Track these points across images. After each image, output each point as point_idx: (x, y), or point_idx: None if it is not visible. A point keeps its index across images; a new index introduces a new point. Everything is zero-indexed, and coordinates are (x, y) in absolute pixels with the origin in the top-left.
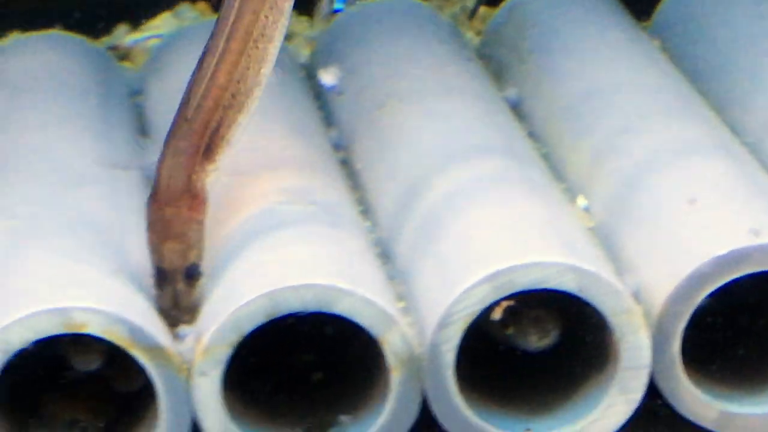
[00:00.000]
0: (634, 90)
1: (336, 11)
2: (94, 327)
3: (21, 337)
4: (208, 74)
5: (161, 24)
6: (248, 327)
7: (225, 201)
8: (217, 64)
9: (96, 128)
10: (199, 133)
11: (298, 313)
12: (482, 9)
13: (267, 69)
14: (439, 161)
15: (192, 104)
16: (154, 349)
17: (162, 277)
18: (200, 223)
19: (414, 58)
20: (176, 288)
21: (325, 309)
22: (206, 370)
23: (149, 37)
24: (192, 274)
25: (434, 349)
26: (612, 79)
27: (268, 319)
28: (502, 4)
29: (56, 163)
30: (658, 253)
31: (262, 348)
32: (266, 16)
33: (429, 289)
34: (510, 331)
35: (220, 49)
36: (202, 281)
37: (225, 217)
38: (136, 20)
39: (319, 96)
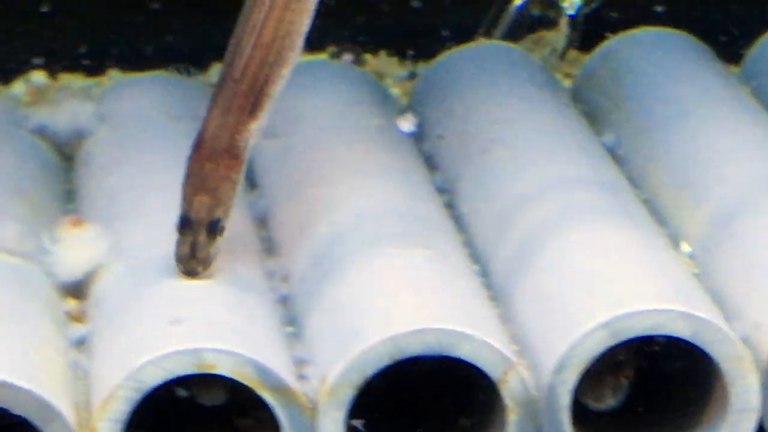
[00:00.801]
0: (732, 137)
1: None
2: (224, 368)
3: (154, 377)
4: (255, 32)
5: None
6: (372, 370)
7: (341, 249)
8: (264, 21)
9: None
10: (246, 94)
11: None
12: (570, 52)
13: (309, 19)
14: (548, 208)
15: (239, 64)
16: (281, 390)
17: (186, 225)
18: (234, 182)
19: (513, 103)
20: (197, 239)
21: (446, 353)
22: (330, 410)
23: None
24: (214, 229)
25: (551, 391)
26: (710, 127)
27: (391, 362)
28: (594, 49)
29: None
30: (764, 298)
31: (379, 388)
32: None
33: (544, 333)
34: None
35: (266, 5)
36: (220, 239)
37: (342, 263)
38: None
39: (420, 139)
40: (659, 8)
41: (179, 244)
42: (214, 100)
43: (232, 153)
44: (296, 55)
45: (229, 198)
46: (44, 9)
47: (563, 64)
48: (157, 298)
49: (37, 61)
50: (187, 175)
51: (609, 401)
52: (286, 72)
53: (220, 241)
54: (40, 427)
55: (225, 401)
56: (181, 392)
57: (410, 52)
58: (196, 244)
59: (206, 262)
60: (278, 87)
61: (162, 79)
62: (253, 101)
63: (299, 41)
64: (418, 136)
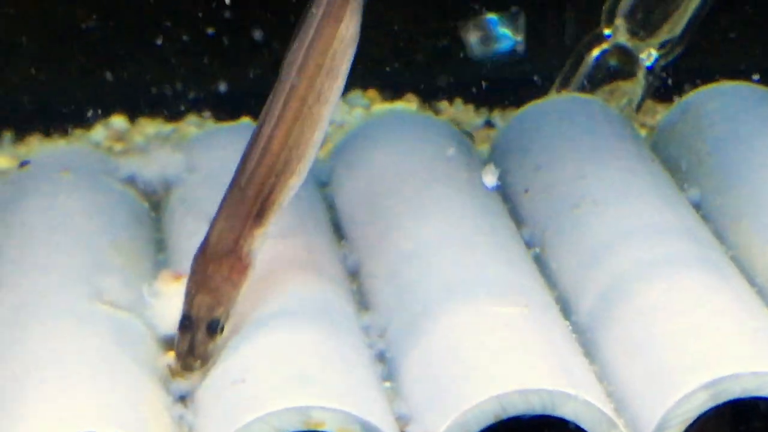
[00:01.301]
0: None
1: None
2: (331, 425)
3: None
4: (263, 142)
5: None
6: (476, 428)
7: (436, 304)
8: (272, 131)
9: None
10: (251, 201)
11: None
12: (647, 102)
13: (321, 131)
14: (641, 268)
15: (246, 171)
16: None
17: (186, 323)
18: (236, 284)
19: (599, 158)
20: (196, 336)
21: (549, 412)
22: None
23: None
24: (214, 328)
25: None
26: None
27: (495, 421)
28: (669, 99)
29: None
30: None
31: None
32: (322, 82)
33: (642, 392)
34: None
35: (275, 116)
36: (219, 338)
37: (439, 319)
38: None
39: (504, 192)
40: (739, 62)
41: (179, 340)
42: (222, 204)
43: (235, 256)
44: (305, 166)
45: (230, 299)
46: (121, 53)
47: (640, 114)
48: (261, 353)
49: (116, 106)
50: (190, 275)
51: None
52: (293, 182)
53: (219, 340)
54: None
55: None
56: None
57: (486, 100)
58: (194, 341)
59: (204, 358)
60: (285, 196)
61: (249, 128)
62: (258, 209)
63: (309, 152)
64: (502, 190)
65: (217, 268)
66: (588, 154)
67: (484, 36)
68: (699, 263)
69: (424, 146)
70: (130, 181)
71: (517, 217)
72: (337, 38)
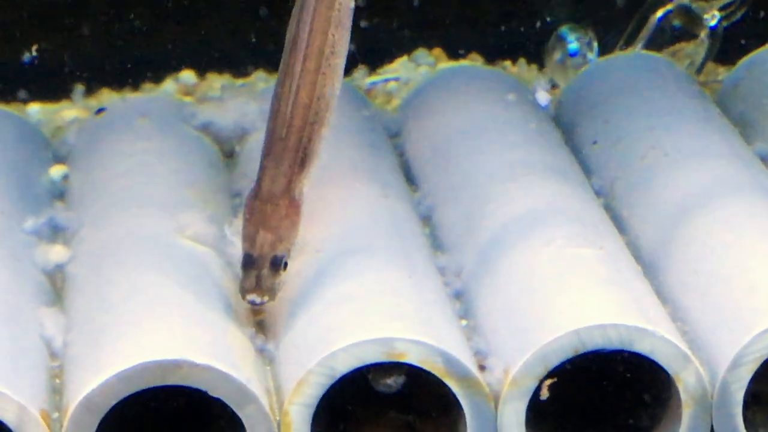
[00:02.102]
0: None
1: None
2: (413, 357)
3: (345, 364)
4: (292, 95)
5: (398, 68)
6: (555, 361)
7: (512, 246)
8: (299, 85)
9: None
10: (295, 149)
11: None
12: (708, 64)
13: (339, 83)
14: (709, 212)
15: (283, 123)
16: (467, 379)
17: (249, 262)
18: (293, 222)
19: (667, 111)
20: (261, 272)
21: (627, 348)
22: (513, 400)
23: (387, 80)
24: (278, 263)
25: (724, 388)
26: None
27: (574, 354)
28: (730, 61)
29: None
30: None
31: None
32: (333, 34)
33: (715, 331)
34: None
35: (298, 70)
36: (284, 274)
37: (515, 259)
38: (374, 63)
39: (571, 144)
40: None
41: (244, 278)
42: (267, 153)
43: (289, 196)
44: (333, 115)
45: (291, 236)
46: (189, 10)
47: (701, 76)
48: (342, 287)
49: (186, 61)
50: (247, 217)
51: None
52: (325, 131)
53: (284, 276)
54: (236, 410)
55: (399, 389)
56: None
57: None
58: (260, 277)
59: (272, 292)
60: (321, 144)
61: None
62: (301, 156)
63: (333, 102)
64: (571, 143)
65: (275, 208)
66: (656, 108)
67: (562, 54)
68: (766, 206)
69: (489, 97)
70: (206, 128)
71: (585, 168)
72: None
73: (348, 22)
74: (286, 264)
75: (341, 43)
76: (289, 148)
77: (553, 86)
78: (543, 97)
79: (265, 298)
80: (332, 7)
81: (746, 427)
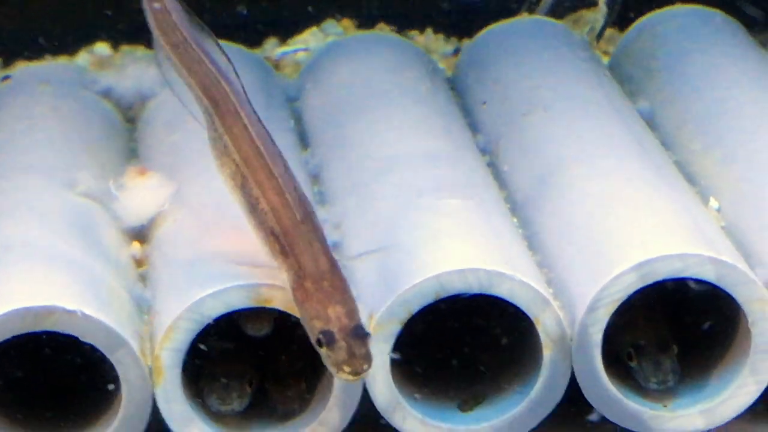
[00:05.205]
0: (761, 103)
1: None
2: (278, 302)
3: (213, 309)
4: (290, 182)
5: (308, 38)
6: (417, 306)
7: (386, 198)
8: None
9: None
10: (317, 228)
11: (460, 294)
12: (608, 31)
13: None
14: (583, 162)
15: (295, 212)
16: None
17: (330, 338)
18: (351, 293)
19: (554, 72)
20: (349, 342)
21: (486, 291)
22: (377, 343)
23: (297, 50)
24: (360, 332)
25: (583, 330)
26: (739, 94)
27: (435, 299)
28: (630, 26)
29: None
30: None
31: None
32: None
33: (576, 276)
34: (634, 364)
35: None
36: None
37: (388, 211)
38: (284, 35)
39: (464, 105)
40: None
41: (331, 356)
42: (292, 240)
43: (337, 269)
44: None
45: (357, 306)
46: None
47: (602, 43)
48: (215, 239)
49: (100, 33)
50: (305, 302)
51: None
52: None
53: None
54: (107, 355)
55: (269, 333)
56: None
57: (456, 30)
58: (350, 347)
59: (368, 359)
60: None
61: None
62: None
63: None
64: (464, 105)
65: (331, 282)
66: (544, 69)
67: None
68: (639, 161)
69: (384, 62)
70: (107, 93)
71: (474, 128)
72: None
73: None
74: (368, 333)
75: None
76: (314, 226)
77: (456, 53)
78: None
79: (365, 366)
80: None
81: (636, 378)
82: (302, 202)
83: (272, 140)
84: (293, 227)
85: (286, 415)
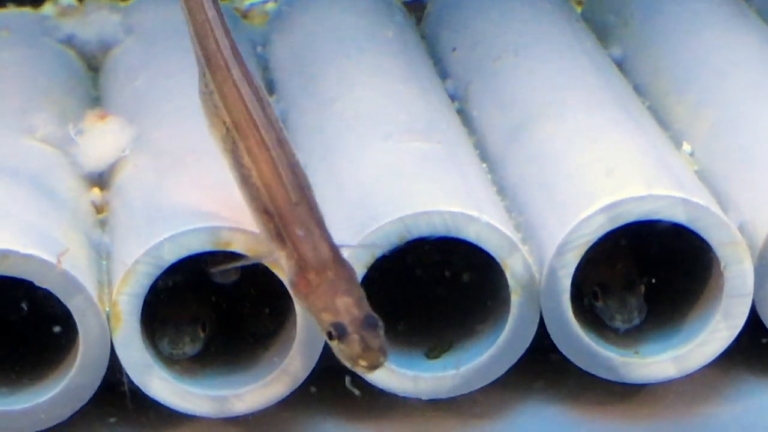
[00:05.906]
0: (731, 48)
1: None
2: (239, 245)
3: (172, 253)
4: (285, 159)
5: None
6: (381, 249)
7: (352, 141)
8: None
9: None
10: (315, 209)
11: (426, 238)
12: None
13: None
14: (553, 107)
15: (290, 191)
16: None
17: (342, 331)
18: (356, 278)
19: (525, 18)
20: (361, 334)
21: (453, 234)
22: None
23: (266, 1)
24: (373, 322)
25: (552, 274)
26: (712, 40)
27: (400, 243)
28: None
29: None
30: (759, 192)
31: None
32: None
33: (545, 219)
34: (600, 303)
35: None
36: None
37: (359, 152)
38: None
39: (434, 53)
40: None
41: (344, 350)
42: (288, 225)
43: (340, 257)
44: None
45: (363, 293)
46: None
47: None
48: (176, 185)
49: None
50: (307, 294)
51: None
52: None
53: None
54: (63, 301)
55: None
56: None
57: None
58: (364, 339)
59: (384, 351)
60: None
61: None
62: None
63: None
64: (434, 52)
65: (336, 271)
66: (516, 16)
67: None
68: (612, 105)
69: (354, 10)
70: (69, 41)
71: (444, 74)
72: None
73: None
74: (380, 323)
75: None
76: (311, 209)
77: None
78: None
79: (381, 359)
80: None
81: (600, 318)
82: (297, 177)
83: (268, 102)
84: (289, 210)
85: (259, 337)
